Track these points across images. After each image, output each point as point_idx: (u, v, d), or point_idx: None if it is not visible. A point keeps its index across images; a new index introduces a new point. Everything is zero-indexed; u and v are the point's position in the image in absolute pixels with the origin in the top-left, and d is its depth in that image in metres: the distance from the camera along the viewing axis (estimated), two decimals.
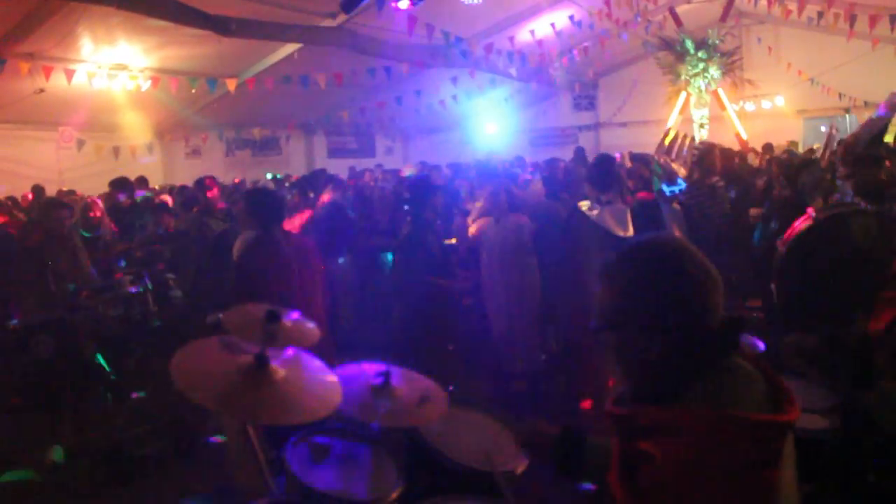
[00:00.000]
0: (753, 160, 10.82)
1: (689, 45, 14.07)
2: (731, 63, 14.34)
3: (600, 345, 1.38)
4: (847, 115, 14.93)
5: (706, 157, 6.37)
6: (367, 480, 2.16)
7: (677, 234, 5.33)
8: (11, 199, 9.76)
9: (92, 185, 10.29)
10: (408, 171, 12.11)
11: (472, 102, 15.01)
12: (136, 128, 12.43)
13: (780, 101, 15.82)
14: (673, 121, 14.37)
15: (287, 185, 10.71)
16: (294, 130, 16.31)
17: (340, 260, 7.20)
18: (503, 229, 5.21)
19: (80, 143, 11.58)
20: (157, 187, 11.23)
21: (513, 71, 13.69)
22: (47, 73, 8.72)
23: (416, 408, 2.06)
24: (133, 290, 5.28)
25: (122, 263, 6.08)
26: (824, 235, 3.63)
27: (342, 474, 2.16)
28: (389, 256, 6.77)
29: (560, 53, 13.33)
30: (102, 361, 4.99)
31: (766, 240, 5.21)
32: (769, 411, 1.22)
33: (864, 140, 6.04)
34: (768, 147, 12.02)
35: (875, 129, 6.23)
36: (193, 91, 10.57)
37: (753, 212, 6.76)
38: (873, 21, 10.96)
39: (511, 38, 12.12)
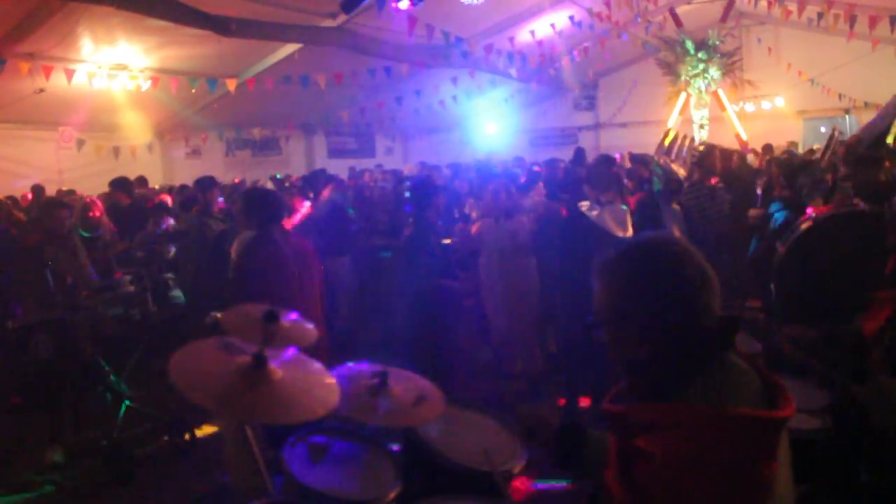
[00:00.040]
0: (753, 161, 10.82)
1: (690, 45, 14.08)
2: (731, 64, 14.36)
3: (600, 345, 1.38)
4: (847, 116, 14.95)
5: (706, 159, 6.38)
6: (365, 480, 2.16)
7: (677, 234, 5.33)
8: (11, 198, 9.77)
9: (92, 185, 10.30)
10: (408, 172, 12.11)
11: (472, 103, 15.01)
12: (136, 128, 12.43)
13: (780, 101, 15.83)
14: (673, 121, 14.38)
15: (287, 184, 10.72)
16: (294, 130, 16.31)
17: (343, 259, 7.21)
18: (502, 230, 5.22)
19: (80, 143, 11.59)
20: (156, 187, 11.23)
21: (513, 71, 13.70)
22: (47, 72, 8.73)
23: (413, 408, 2.06)
24: (132, 290, 5.27)
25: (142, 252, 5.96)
26: (823, 236, 3.64)
27: (340, 474, 2.16)
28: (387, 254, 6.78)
29: (561, 54, 13.34)
30: (103, 363, 4.98)
31: (765, 241, 5.22)
32: (764, 408, 1.23)
33: (867, 141, 6.06)
34: (768, 148, 12.02)
35: (877, 131, 6.24)
36: (193, 91, 10.57)
37: (753, 213, 6.77)
38: (873, 22, 10.97)
39: (511, 39, 12.12)
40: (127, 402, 4.82)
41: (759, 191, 7.26)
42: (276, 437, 2.27)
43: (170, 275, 6.07)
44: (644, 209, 5.32)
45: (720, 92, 14.51)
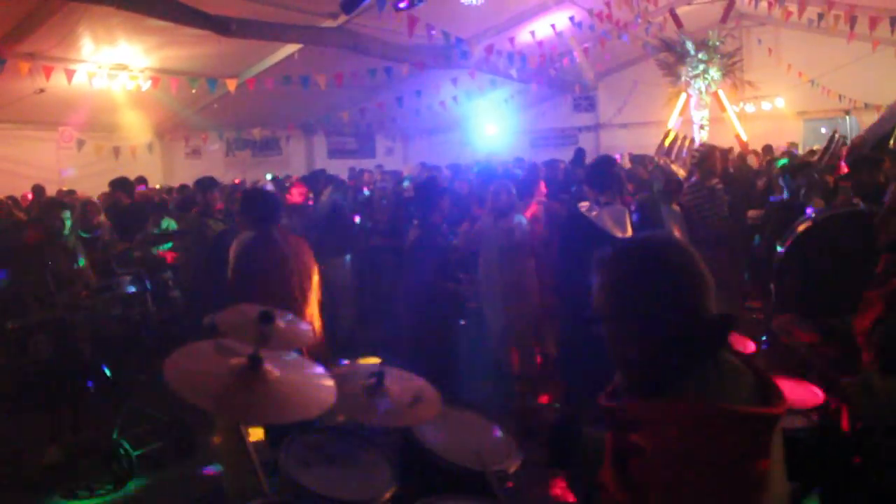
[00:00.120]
0: (753, 162, 10.83)
1: (690, 46, 14.08)
2: (731, 64, 14.35)
3: (600, 341, 1.39)
4: (847, 117, 14.93)
5: (706, 160, 6.37)
6: (361, 480, 2.16)
7: (677, 234, 5.33)
8: (12, 198, 9.78)
9: (92, 185, 10.31)
10: (408, 172, 12.11)
11: (472, 103, 15.01)
12: (136, 128, 12.43)
13: (780, 102, 15.82)
14: (673, 122, 14.38)
15: (287, 185, 10.71)
16: (294, 131, 16.31)
17: (346, 258, 7.22)
18: (502, 230, 5.21)
19: (80, 143, 11.59)
20: (156, 187, 11.24)
21: (513, 72, 13.70)
22: (47, 72, 8.73)
23: (410, 408, 2.06)
24: (132, 290, 5.27)
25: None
26: (823, 236, 3.64)
27: (336, 474, 2.16)
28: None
29: (561, 54, 13.34)
30: (102, 363, 4.98)
31: (765, 240, 5.22)
32: (758, 405, 1.24)
33: (871, 142, 6.06)
34: (768, 149, 12.03)
35: (882, 132, 6.24)
36: (193, 91, 10.57)
37: (752, 213, 6.78)
38: (873, 23, 10.97)
39: (511, 39, 12.12)
40: (126, 403, 4.82)
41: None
42: (273, 438, 2.27)
43: (169, 274, 6.07)
44: (644, 210, 5.32)
45: (720, 93, 14.50)
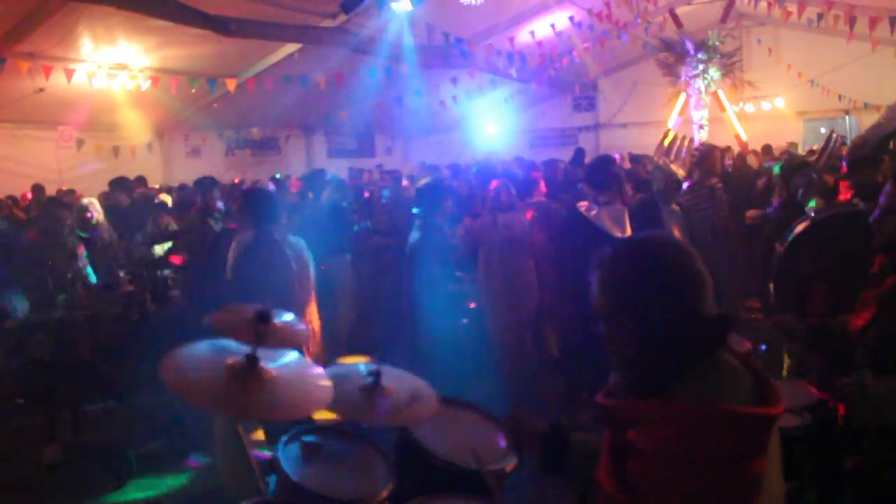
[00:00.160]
0: (753, 162, 10.83)
1: (689, 46, 14.08)
2: (730, 64, 14.35)
3: (599, 340, 1.40)
4: (847, 117, 14.94)
5: (706, 159, 6.38)
6: (358, 479, 2.16)
7: (677, 234, 5.33)
8: (12, 198, 9.77)
9: (91, 184, 10.30)
10: (407, 172, 12.10)
11: (471, 103, 15.01)
12: (135, 127, 12.42)
13: (779, 102, 15.82)
14: (673, 122, 14.38)
15: (288, 185, 10.72)
16: (293, 130, 16.30)
17: (343, 259, 7.21)
18: (502, 229, 5.21)
19: (80, 143, 11.59)
20: (156, 186, 11.23)
21: (513, 72, 13.70)
22: (47, 72, 8.73)
23: (407, 407, 2.06)
24: (131, 289, 5.27)
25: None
26: (821, 236, 3.64)
27: (332, 473, 2.17)
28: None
29: (561, 54, 13.34)
30: (102, 363, 4.99)
31: (762, 241, 5.22)
32: (755, 406, 1.24)
33: (872, 142, 6.06)
34: (767, 149, 12.03)
35: (883, 132, 6.24)
36: (193, 91, 10.57)
37: (751, 213, 6.78)
38: (873, 23, 10.96)
39: (511, 39, 12.12)
40: (125, 403, 4.82)
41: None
42: (271, 438, 2.28)
43: (168, 273, 6.07)
44: (643, 209, 5.32)
45: (720, 92, 14.50)
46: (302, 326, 2.50)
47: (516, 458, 2.09)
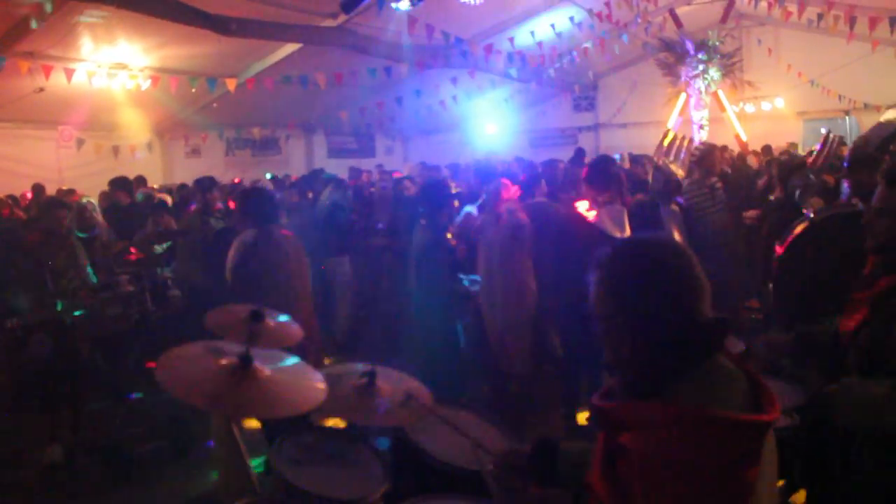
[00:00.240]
0: (753, 162, 10.83)
1: (689, 46, 14.07)
2: (731, 64, 14.34)
3: (598, 340, 1.40)
4: (847, 117, 14.95)
5: (706, 158, 6.38)
6: (353, 479, 2.17)
7: (676, 234, 5.33)
8: (12, 197, 9.78)
9: (91, 184, 10.30)
10: (407, 172, 12.10)
11: (471, 103, 15.01)
12: (135, 127, 12.42)
13: (779, 102, 15.82)
14: (673, 122, 14.37)
15: (288, 184, 10.73)
16: (294, 130, 16.31)
17: (343, 259, 7.22)
18: (501, 229, 5.21)
19: (80, 142, 11.59)
20: (155, 187, 11.23)
21: (513, 72, 13.70)
22: (47, 72, 8.72)
23: (401, 407, 2.06)
24: (131, 289, 5.28)
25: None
26: (820, 237, 3.64)
27: (328, 473, 2.17)
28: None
29: (561, 54, 13.33)
30: (102, 362, 4.99)
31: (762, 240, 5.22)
32: (750, 411, 1.24)
33: (874, 142, 6.06)
34: (767, 149, 12.03)
35: (885, 133, 6.24)
36: (193, 90, 10.56)
37: (749, 213, 6.78)
38: (873, 23, 10.96)
39: (511, 39, 12.12)
40: (125, 402, 4.83)
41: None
42: (272, 436, 2.28)
43: (168, 273, 6.08)
44: (643, 210, 5.32)
45: (720, 93, 14.49)
46: (295, 326, 2.51)
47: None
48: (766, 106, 15.88)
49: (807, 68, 14.55)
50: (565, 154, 11.80)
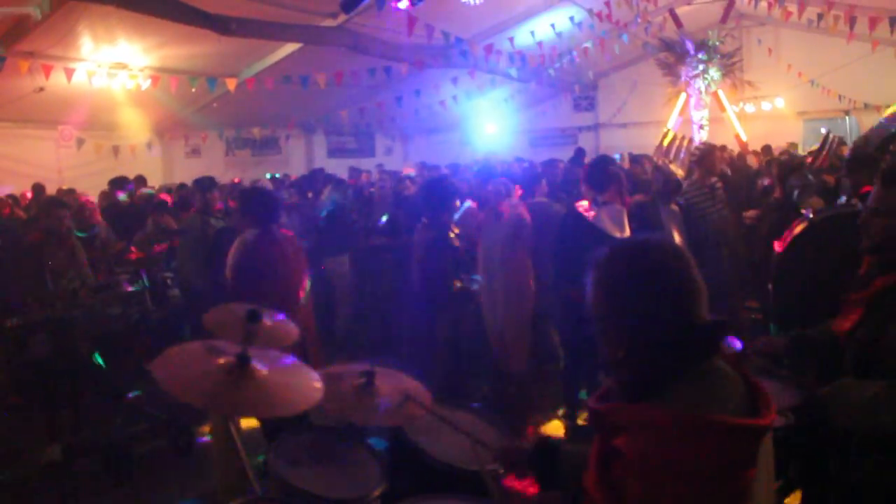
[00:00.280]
0: (752, 162, 10.83)
1: (689, 46, 14.07)
2: (731, 64, 14.33)
3: (595, 342, 1.39)
4: (847, 117, 14.95)
5: (706, 158, 6.37)
6: (350, 479, 2.17)
7: (676, 235, 5.33)
8: (12, 197, 9.78)
9: (91, 183, 10.31)
10: (407, 172, 12.12)
11: (471, 103, 15.00)
12: (135, 127, 12.43)
13: (780, 102, 15.81)
14: (673, 122, 14.37)
15: (287, 183, 10.74)
16: (294, 130, 16.31)
17: (343, 259, 7.22)
18: (502, 227, 5.21)
19: (80, 142, 11.59)
20: (155, 186, 11.24)
21: (513, 72, 13.69)
22: (47, 71, 8.72)
23: (400, 407, 2.06)
24: (131, 289, 5.28)
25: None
26: (820, 237, 3.65)
27: (325, 473, 2.18)
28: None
29: (561, 54, 13.33)
30: (100, 360, 4.99)
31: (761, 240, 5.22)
32: (746, 415, 1.23)
33: (875, 142, 6.06)
34: (767, 149, 12.02)
35: (885, 133, 6.23)
36: (193, 90, 10.57)
37: (750, 213, 6.78)
38: (873, 23, 10.96)
39: (511, 39, 12.12)
40: (124, 402, 4.83)
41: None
42: (271, 435, 2.29)
43: (168, 273, 6.08)
44: (642, 210, 5.32)
45: (720, 93, 14.49)
46: (293, 325, 2.51)
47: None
48: (766, 106, 15.87)
49: (807, 68, 14.55)
50: (565, 154, 11.80)
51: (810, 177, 5.77)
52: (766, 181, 7.46)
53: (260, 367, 1.86)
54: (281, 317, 2.50)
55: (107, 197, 8.60)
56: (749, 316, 6.68)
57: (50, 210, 5.48)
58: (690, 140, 11.33)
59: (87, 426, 4.91)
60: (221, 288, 4.32)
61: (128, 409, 4.85)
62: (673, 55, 14.27)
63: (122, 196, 8.43)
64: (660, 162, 8.23)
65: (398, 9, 8.55)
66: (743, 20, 15.92)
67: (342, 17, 10.17)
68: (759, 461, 1.20)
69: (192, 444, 4.79)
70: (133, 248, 6.11)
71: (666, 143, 9.96)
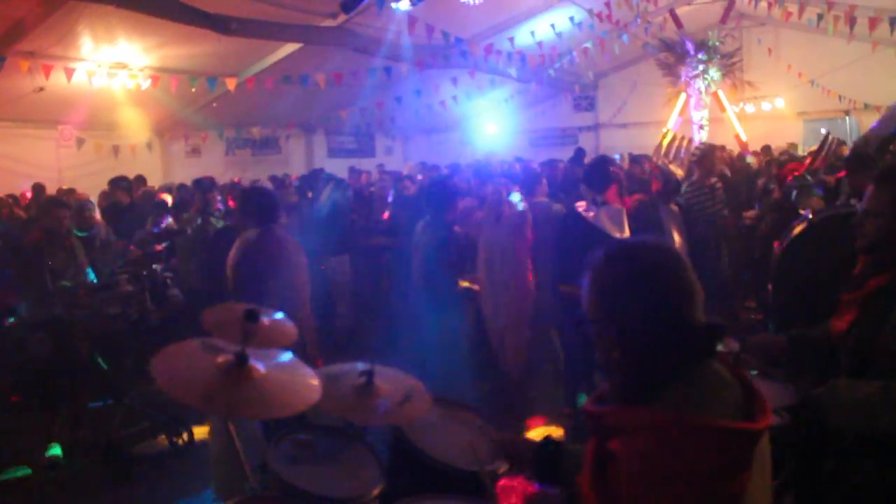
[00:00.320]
0: (752, 162, 10.83)
1: (689, 46, 14.08)
2: (731, 65, 14.35)
3: (592, 342, 1.39)
4: (847, 118, 14.95)
5: (706, 158, 6.38)
6: (349, 478, 2.17)
7: (676, 235, 5.33)
8: (12, 197, 9.78)
9: (91, 183, 10.31)
10: (407, 171, 12.11)
11: (472, 103, 15.00)
12: (135, 126, 12.42)
13: (780, 102, 15.81)
14: (673, 122, 14.37)
15: (288, 184, 10.72)
16: (294, 130, 16.31)
17: (343, 258, 7.22)
18: (503, 227, 5.21)
19: (80, 142, 11.59)
20: (154, 186, 11.24)
21: (513, 72, 13.70)
22: (47, 71, 8.72)
23: (400, 407, 2.06)
24: (130, 289, 5.28)
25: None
26: (819, 237, 3.65)
27: (324, 472, 2.17)
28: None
29: (561, 54, 13.33)
30: (101, 362, 4.99)
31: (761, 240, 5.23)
32: (741, 418, 1.23)
33: (874, 143, 6.06)
34: (767, 149, 12.02)
35: (885, 133, 6.23)
36: (193, 90, 10.57)
37: (750, 213, 6.79)
38: (873, 23, 10.97)
39: (511, 39, 12.12)
40: (124, 402, 4.83)
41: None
42: (270, 434, 2.29)
43: (168, 273, 6.08)
44: (642, 210, 5.32)
45: (720, 93, 14.50)
46: (292, 325, 2.51)
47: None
48: (766, 106, 15.87)
49: (807, 68, 14.55)
50: (565, 154, 11.79)
51: (808, 177, 5.77)
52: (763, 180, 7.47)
53: (258, 367, 1.86)
54: (279, 316, 2.49)
55: (107, 197, 8.60)
56: (749, 316, 6.69)
57: (50, 210, 5.47)
58: (690, 140, 11.34)
59: (87, 426, 4.91)
60: (221, 287, 4.32)
61: (128, 409, 4.85)
62: (673, 55, 14.28)
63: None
64: (659, 162, 8.24)
65: (398, 9, 8.55)
66: (743, 20, 15.92)
67: (342, 17, 10.17)
68: (755, 464, 1.19)
69: (191, 443, 4.79)
70: (133, 248, 6.11)
71: (665, 143, 9.97)
